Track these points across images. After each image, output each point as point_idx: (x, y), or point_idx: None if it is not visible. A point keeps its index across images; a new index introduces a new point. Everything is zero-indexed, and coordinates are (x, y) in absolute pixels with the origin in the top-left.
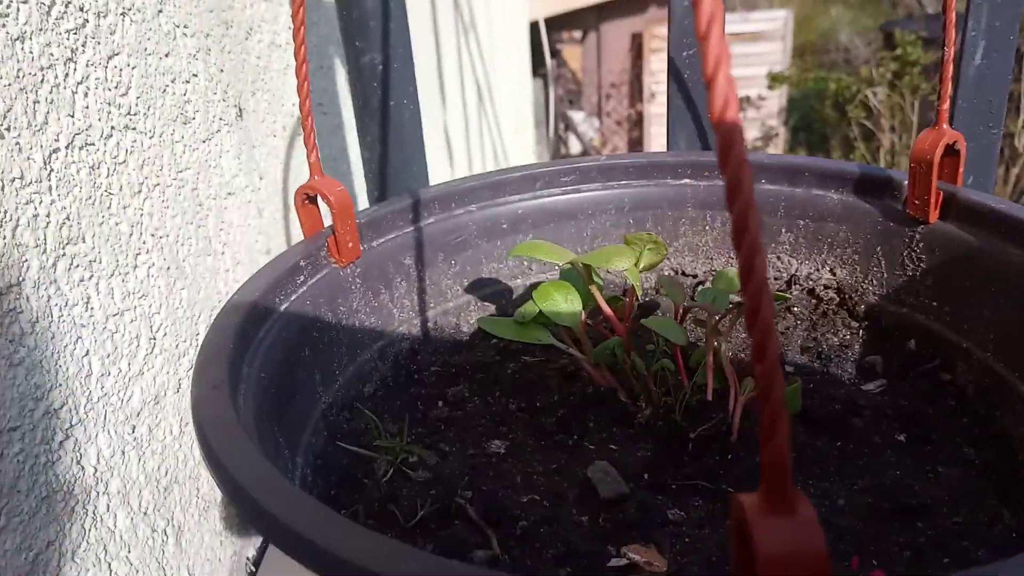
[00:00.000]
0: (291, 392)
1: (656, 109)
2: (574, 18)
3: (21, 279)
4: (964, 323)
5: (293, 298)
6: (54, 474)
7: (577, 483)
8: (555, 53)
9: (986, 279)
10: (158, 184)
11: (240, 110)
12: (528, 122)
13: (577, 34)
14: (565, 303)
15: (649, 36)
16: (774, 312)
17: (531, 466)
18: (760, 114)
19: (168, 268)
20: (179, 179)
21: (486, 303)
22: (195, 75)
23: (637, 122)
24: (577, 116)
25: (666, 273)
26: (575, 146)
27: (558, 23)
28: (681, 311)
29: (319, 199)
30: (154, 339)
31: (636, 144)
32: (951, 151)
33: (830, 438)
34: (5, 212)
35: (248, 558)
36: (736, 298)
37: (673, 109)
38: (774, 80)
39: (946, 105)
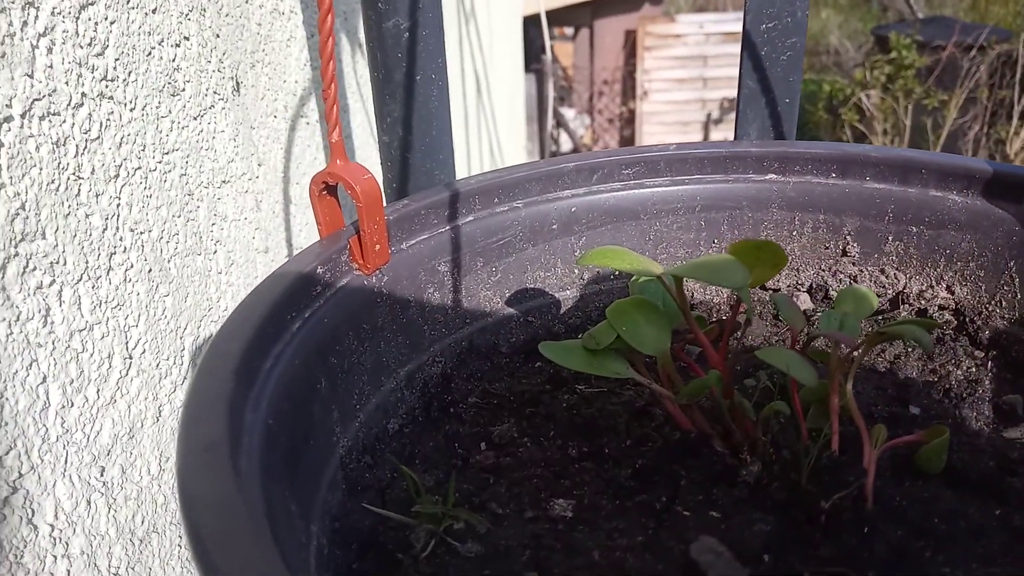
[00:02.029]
0: (304, 437)
1: (649, 107)
2: (567, 14)
3: None
4: None
5: (307, 314)
6: None
7: (676, 565)
8: (549, 48)
9: None
10: (139, 168)
11: (237, 83)
12: (520, 117)
13: (569, 31)
14: (649, 327)
15: (643, 34)
16: None
17: (611, 538)
18: None
19: (150, 271)
20: (165, 162)
21: (530, 319)
22: (187, 38)
23: (629, 120)
24: (568, 113)
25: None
26: (566, 143)
27: (549, 19)
28: (802, 341)
29: (340, 189)
30: (130, 358)
31: (628, 142)
32: None
33: (982, 503)
34: None
35: None
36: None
37: (745, 91)
38: None
39: None
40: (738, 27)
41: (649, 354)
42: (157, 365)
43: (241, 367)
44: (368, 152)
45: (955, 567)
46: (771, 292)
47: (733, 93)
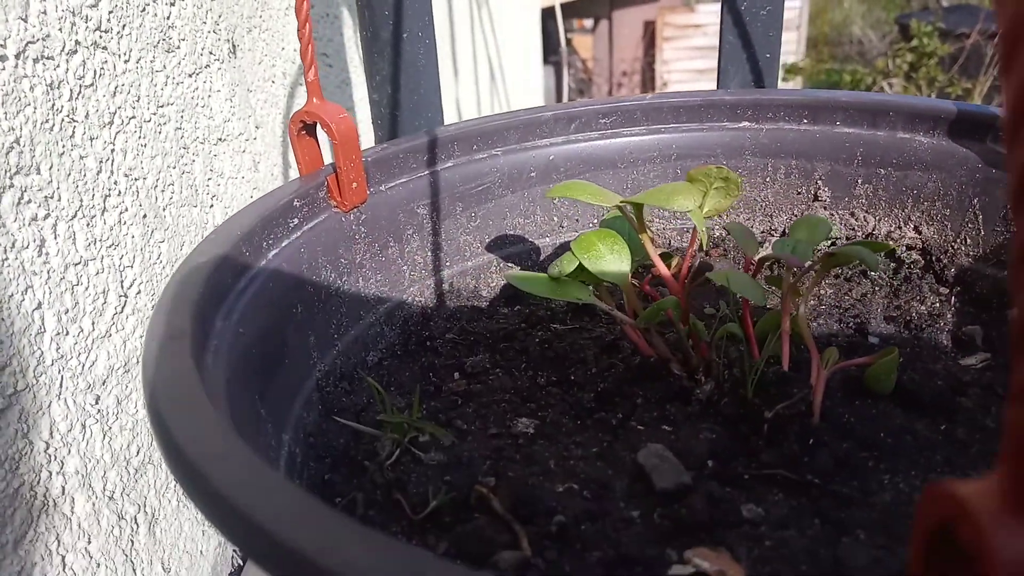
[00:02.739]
0: (279, 356)
1: None
2: (586, 5)
3: None
4: None
5: (284, 244)
6: None
7: (626, 471)
8: (566, 42)
9: None
10: (134, 117)
11: (234, 46)
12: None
13: (588, 23)
14: (611, 256)
15: (662, 24)
16: None
17: (567, 449)
18: None
19: (145, 216)
20: (160, 115)
21: (510, 263)
22: None
23: None
24: None
25: (716, 233)
26: None
27: (569, 11)
28: (754, 266)
29: (319, 129)
30: (125, 296)
31: None
32: None
33: (931, 420)
34: None
35: (236, 550)
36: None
37: (726, 48)
38: (789, 72)
39: None
40: None
41: (610, 282)
42: (153, 306)
43: (213, 278)
44: (368, 127)
45: (895, 475)
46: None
47: None
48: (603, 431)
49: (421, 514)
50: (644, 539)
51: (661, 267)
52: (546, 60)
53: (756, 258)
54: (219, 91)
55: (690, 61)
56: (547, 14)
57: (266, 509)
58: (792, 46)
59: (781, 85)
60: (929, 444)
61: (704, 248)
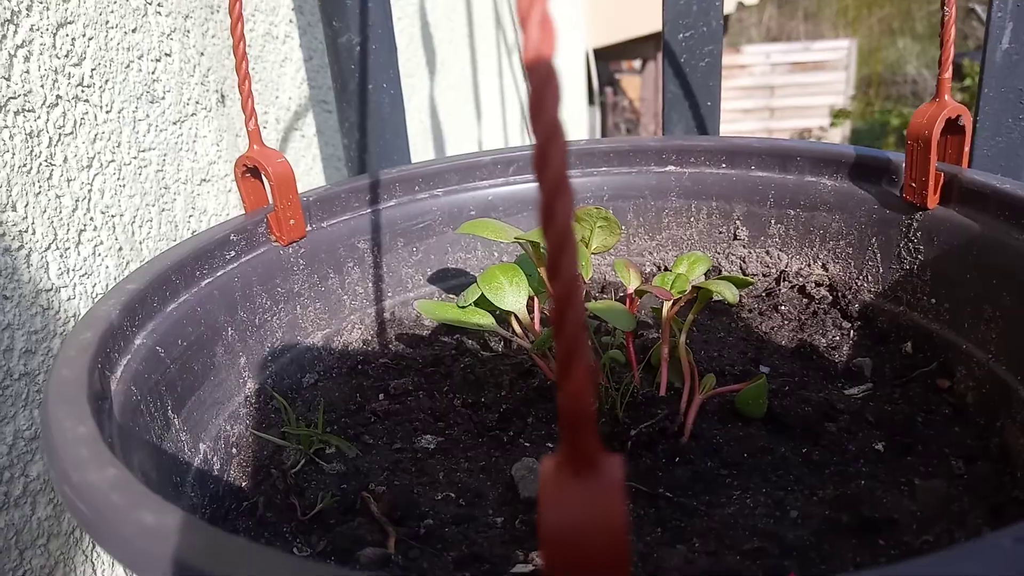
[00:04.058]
0: (204, 372)
1: None
2: (632, 47)
3: None
4: (964, 321)
5: (219, 273)
6: None
7: (502, 482)
8: (614, 82)
9: (989, 270)
10: (113, 161)
11: (223, 96)
12: None
13: (636, 64)
14: (510, 286)
15: None
16: (572, 213)
17: (457, 463)
18: None
19: (120, 249)
20: (141, 158)
21: (451, 295)
22: (168, 55)
23: None
24: None
25: (647, 269)
26: None
27: (616, 52)
28: (632, 297)
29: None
30: None
31: None
32: (955, 128)
33: (796, 444)
34: None
35: None
36: (698, 282)
37: (669, 96)
38: (836, 116)
39: (947, 74)
40: (806, 56)
41: (508, 310)
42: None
43: (137, 300)
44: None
45: (745, 491)
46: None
47: (801, 123)
48: (495, 447)
49: (307, 515)
50: (499, 541)
51: (554, 295)
52: (592, 101)
53: (632, 290)
54: (205, 136)
55: (736, 101)
56: (599, 55)
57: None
58: (840, 86)
59: (831, 130)
60: (786, 464)
61: (591, 281)
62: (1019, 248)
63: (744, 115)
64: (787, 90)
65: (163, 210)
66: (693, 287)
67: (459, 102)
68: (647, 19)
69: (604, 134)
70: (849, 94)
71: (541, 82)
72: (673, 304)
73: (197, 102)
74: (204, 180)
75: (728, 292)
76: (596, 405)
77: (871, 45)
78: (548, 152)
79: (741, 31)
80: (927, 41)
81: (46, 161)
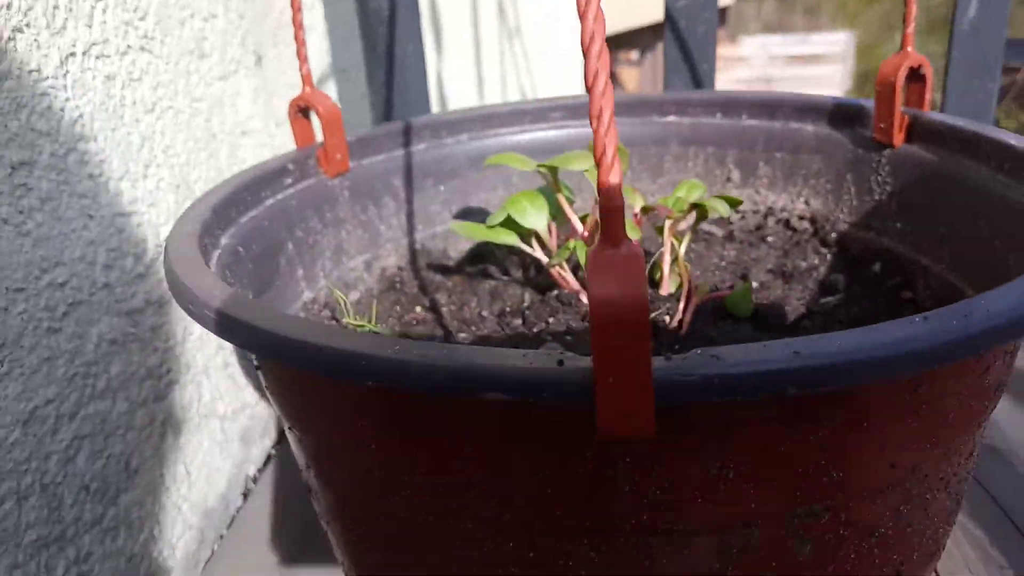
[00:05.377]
0: (271, 276)
1: None
2: (631, 38)
3: (33, 159)
4: (924, 242)
5: (279, 196)
6: (55, 341)
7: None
8: (612, 75)
9: (944, 196)
10: (171, 107)
11: (259, 58)
12: None
13: (634, 55)
14: (533, 208)
15: None
16: (607, 62)
17: (482, 335)
18: None
19: (178, 186)
20: (193, 108)
21: None
22: (214, 16)
23: None
24: None
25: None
26: None
27: (614, 43)
28: (638, 216)
29: (311, 113)
30: (159, 246)
31: None
32: (917, 76)
33: (777, 335)
34: (21, 98)
35: (248, 475)
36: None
37: (669, 61)
38: None
39: (910, 29)
40: (804, 49)
41: (530, 229)
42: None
43: (219, 208)
44: None
45: None
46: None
47: None
48: (520, 341)
49: None
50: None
51: (572, 217)
52: None
53: (639, 209)
54: (245, 94)
55: None
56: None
57: (244, 313)
58: (837, 79)
59: None
60: None
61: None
62: (968, 174)
63: None
64: (786, 83)
65: (211, 156)
66: (691, 204)
67: (463, 69)
68: (646, 8)
69: None
70: (847, 88)
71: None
72: (674, 222)
73: (238, 61)
74: (244, 133)
75: (721, 207)
76: None
77: (870, 39)
78: (596, 71)
79: (740, 24)
80: (926, 35)
81: (119, 102)
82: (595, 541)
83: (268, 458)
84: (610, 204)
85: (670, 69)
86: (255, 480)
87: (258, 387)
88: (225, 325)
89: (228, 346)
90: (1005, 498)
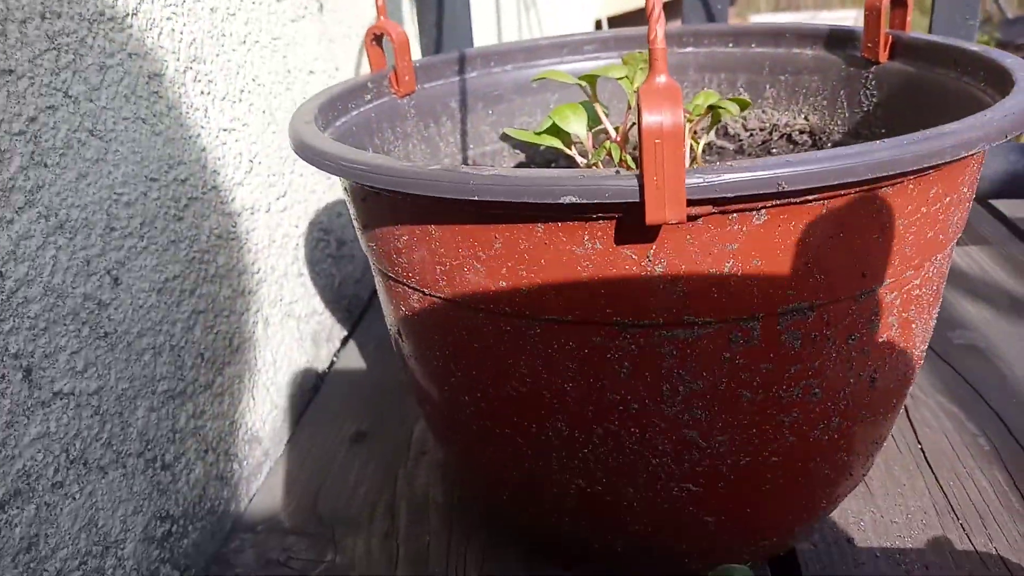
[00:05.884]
0: None
1: None
2: (637, 18)
3: (162, 72)
4: None
5: (361, 108)
6: (179, 227)
7: None
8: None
9: (919, 102)
10: (258, 42)
11: (321, 5)
12: None
13: None
14: (575, 116)
15: None
16: None
17: None
18: None
19: (264, 111)
20: (273, 44)
21: (517, 151)
22: None
23: None
24: None
25: None
26: None
27: (620, 23)
28: None
29: (384, 40)
30: (252, 161)
31: None
32: (900, 3)
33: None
34: (153, 19)
35: (319, 371)
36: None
37: (687, 3)
38: None
39: None
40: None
41: (573, 131)
42: (269, 175)
43: (323, 108)
44: None
45: None
46: None
47: None
48: None
49: None
50: None
51: (606, 123)
52: None
53: None
54: (311, 36)
55: None
56: (613, 25)
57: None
58: None
59: None
60: None
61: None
62: (939, 79)
63: None
64: None
65: (287, 89)
66: (708, 107)
67: (484, 17)
68: None
69: None
70: None
71: None
72: (694, 124)
73: (305, 7)
74: (311, 72)
75: (732, 108)
76: None
77: None
78: None
79: (750, 2)
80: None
81: (220, 32)
82: (635, 335)
83: (331, 363)
84: (657, 48)
85: (688, 8)
86: (322, 378)
87: (324, 294)
88: (345, 168)
89: (302, 255)
90: (981, 384)
